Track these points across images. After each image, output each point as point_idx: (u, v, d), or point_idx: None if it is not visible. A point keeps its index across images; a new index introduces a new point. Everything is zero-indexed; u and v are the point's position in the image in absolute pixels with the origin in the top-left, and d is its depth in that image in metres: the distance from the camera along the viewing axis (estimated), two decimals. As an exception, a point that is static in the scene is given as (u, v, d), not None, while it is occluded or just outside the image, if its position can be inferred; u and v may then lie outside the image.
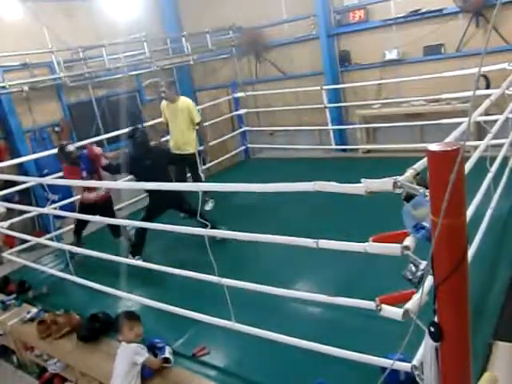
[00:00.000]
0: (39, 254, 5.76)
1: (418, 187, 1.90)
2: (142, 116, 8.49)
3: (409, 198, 1.91)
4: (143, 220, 4.65)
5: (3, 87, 6.45)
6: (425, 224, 1.83)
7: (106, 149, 7.47)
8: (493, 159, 3.99)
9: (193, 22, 9.20)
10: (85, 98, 7.84)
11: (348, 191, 2.22)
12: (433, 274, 1.77)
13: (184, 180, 6.19)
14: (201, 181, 6.09)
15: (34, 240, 5.22)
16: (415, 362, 2.25)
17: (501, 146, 4.45)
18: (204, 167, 7.71)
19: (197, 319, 3.35)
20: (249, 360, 3.22)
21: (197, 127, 5.98)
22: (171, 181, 4.96)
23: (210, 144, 6.70)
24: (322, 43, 7.88)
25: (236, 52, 9.05)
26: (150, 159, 4.71)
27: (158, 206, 4.77)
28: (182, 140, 6.01)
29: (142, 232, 4.76)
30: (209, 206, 6.24)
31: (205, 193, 5.52)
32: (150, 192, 4.86)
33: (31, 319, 4.17)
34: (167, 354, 3.18)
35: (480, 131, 5.95)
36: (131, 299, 3.95)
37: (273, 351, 3.06)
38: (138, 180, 4.78)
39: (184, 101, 5.98)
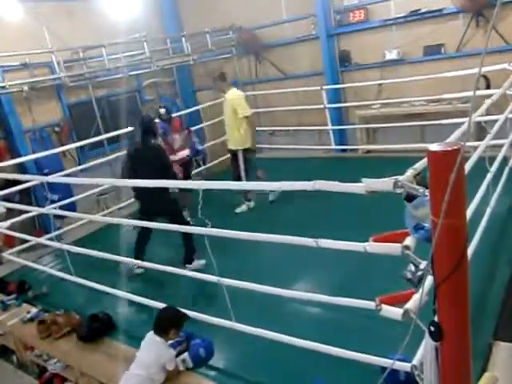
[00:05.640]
0: (39, 253, 5.76)
1: (418, 187, 1.90)
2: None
3: (410, 198, 1.91)
4: (139, 234, 4.63)
5: (3, 87, 6.44)
6: (424, 224, 1.83)
7: (106, 149, 7.50)
8: (492, 159, 3.99)
9: (193, 22, 9.18)
10: (85, 98, 7.82)
11: (348, 190, 2.22)
12: (433, 274, 1.77)
13: (238, 177, 5.96)
14: (240, 180, 5.85)
15: (33, 240, 5.22)
16: (415, 361, 2.25)
17: (501, 146, 4.45)
18: (204, 167, 7.75)
19: (196, 319, 3.35)
20: (248, 359, 3.22)
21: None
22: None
23: (212, 143, 6.66)
24: (322, 43, 7.87)
25: (236, 52, 9.04)
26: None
27: (144, 213, 4.55)
28: (228, 135, 5.91)
29: (139, 241, 4.66)
30: (240, 209, 6.05)
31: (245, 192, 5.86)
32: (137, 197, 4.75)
33: (31, 319, 4.17)
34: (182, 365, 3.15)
35: (480, 131, 5.95)
36: (131, 299, 3.95)
37: (272, 351, 3.07)
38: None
39: (231, 93, 5.83)
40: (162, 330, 3.10)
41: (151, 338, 3.11)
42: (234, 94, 5.83)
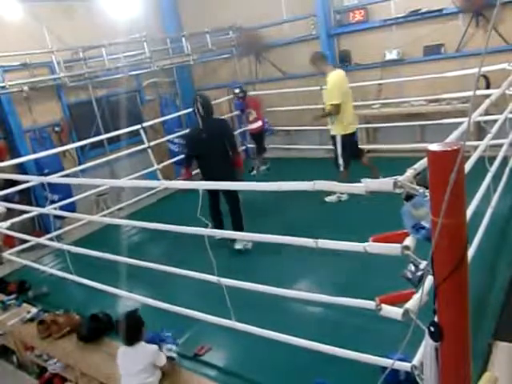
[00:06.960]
0: (39, 253, 5.76)
1: (418, 187, 1.90)
2: (142, 116, 8.50)
3: (409, 197, 1.91)
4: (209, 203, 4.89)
5: (3, 87, 6.44)
6: (425, 224, 1.83)
7: (106, 149, 7.49)
8: (492, 159, 3.99)
9: (193, 22, 9.18)
10: (85, 98, 7.82)
11: (348, 191, 2.22)
12: (433, 273, 1.77)
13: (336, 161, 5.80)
14: (338, 169, 5.73)
15: (33, 240, 5.21)
16: (415, 361, 2.25)
17: (500, 146, 4.45)
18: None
19: (197, 318, 3.35)
20: (249, 359, 3.22)
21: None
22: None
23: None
24: (322, 43, 7.87)
25: (236, 52, 9.04)
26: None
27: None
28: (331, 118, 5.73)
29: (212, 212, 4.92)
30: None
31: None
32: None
33: (31, 319, 4.17)
34: (171, 353, 3.13)
35: (480, 131, 5.95)
36: (131, 298, 3.95)
37: (273, 351, 3.07)
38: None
39: (329, 77, 5.67)
40: (137, 336, 3.04)
41: (125, 349, 3.04)
42: (329, 79, 5.69)
